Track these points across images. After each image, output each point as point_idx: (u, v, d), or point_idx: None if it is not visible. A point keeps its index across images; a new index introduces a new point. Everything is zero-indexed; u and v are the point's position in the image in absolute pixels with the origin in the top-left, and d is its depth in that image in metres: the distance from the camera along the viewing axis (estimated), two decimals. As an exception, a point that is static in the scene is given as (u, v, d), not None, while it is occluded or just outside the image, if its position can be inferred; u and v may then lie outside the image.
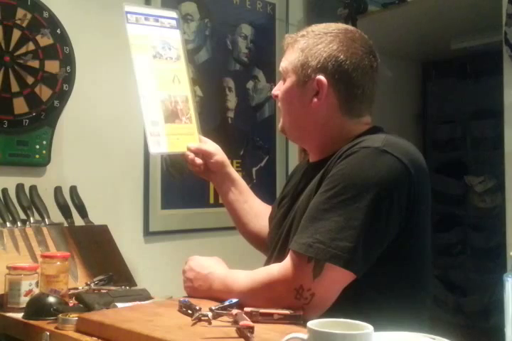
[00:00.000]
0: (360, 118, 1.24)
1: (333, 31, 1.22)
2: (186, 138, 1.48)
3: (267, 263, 1.29)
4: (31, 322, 1.19)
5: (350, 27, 1.28)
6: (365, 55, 1.21)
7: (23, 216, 1.66)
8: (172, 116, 1.48)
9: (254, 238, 1.53)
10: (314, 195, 1.14)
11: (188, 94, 1.52)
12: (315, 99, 1.21)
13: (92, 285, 1.46)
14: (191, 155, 1.45)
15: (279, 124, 1.33)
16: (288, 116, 1.29)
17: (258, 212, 1.51)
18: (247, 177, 2.45)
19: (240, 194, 1.51)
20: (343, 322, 0.80)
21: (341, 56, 1.19)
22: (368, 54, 1.22)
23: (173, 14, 1.56)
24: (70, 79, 1.93)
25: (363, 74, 1.21)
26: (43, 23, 1.88)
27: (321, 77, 1.20)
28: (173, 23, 1.55)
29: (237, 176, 1.52)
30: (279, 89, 1.29)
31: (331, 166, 1.13)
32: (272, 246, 1.30)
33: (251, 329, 0.95)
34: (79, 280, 1.52)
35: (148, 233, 2.19)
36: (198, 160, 1.45)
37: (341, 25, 1.26)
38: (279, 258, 1.16)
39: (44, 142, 1.87)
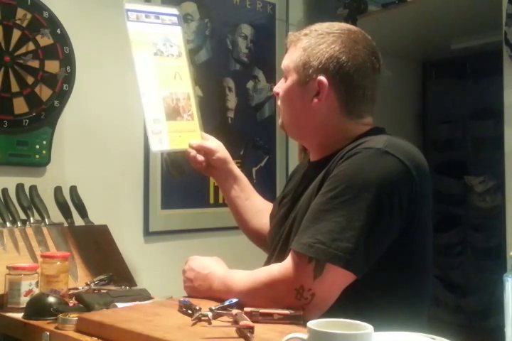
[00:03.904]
0: (360, 119, 1.24)
1: (336, 31, 1.22)
2: (188, 135, 1.48)
3: (268, 262, 1.29)
4: (31, 322, 1.19)
5: (353, 27, 1.27)
6: (367, 56, 1.21)
7: (23, 216, 1.66)
8: (174, 113, 1.48)
9: (255, 235, 1.53)
10: (316, 195, 1.14)
11: (189, 91, 1.52)
12: (315, 99, 1.21)
13: (92, 285, 1.47)
14: (193, 152, 1.45)
15: (279, 120, 1.34)
16: (288, 114, 1.29)
17: (259, 210, 1.52)
18: (247, 177, 2.44)
19: (242, 191, 1.51)
20: (343, 322, 0.80)
21: (343, 57, 1.19)
22: (371, 55, 1.22)
23: (174, 11, 1.56)
24: (70, 79, 1.93)
25: (365, 76, 1.21)
26: (43, 23, 1.88)
27: (322, 78, 1.19)
28: (175, 19, 1.55)
29: (239, 173, 1.52)
30: (280, 87, 1.29)
31: (333, 167, 1.13)
32: (273, 246, 1.30)
33: (251, 329, 0.95)
34: (79, 280, 1.52)
35: (148, 233, 2.19)
36: (200, 157, 1.45)
37: (345, 26, 1.26)
38: (280, 258, 1.16)
39: (44, 142, 1.87)
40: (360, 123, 1.24)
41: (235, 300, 1.11)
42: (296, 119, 1.27)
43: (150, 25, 1.49)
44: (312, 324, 0.78)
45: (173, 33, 1.53)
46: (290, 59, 1.26)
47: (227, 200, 1.54)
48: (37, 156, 1.86)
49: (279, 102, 1.31)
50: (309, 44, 1.22)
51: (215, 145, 1.48)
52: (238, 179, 1.51)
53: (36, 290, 1.32)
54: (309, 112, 1.23)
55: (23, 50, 1.84)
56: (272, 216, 1.42)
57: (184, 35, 1.56)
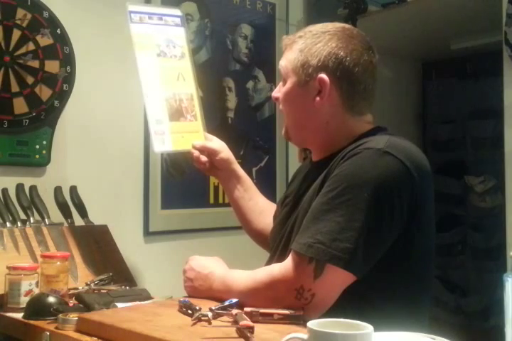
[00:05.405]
0: (362, 116, 1.25)
1: (331, 30, 1.22)
2: (191, 135, 1.48)
3: (269, 262, 1.29)
4: (31, 322, 1.19)
5: (346, 25, 1.28)
6: (364, 50, 1.21)
7: (23, 216, 1.66)
8: (177, 114, 1.48)
9: (258, 236, 1.53)
10: (317, 195, 1.14)
11: (193, 91, 1.53)
12: (317, 98, 1.21)
13: (92, 285, 1.47)
14: (196, 153, 1.45)
15: (283, 129, 1.33)
16: (291, 117, 1.28)
17: (263, 210, 1.52)
18: (247, 177, 2.46)
19: (245, 191, 1.51)
20: (343, 322, 0.80)
21: (341, 53, 1.19)
22: (368, 50, 1.22)
23: (177, 12, 1.57)
24: (70, 79, 1.93)
25: (364, 70, 1.21)
26: (43, 23, 1.88)
27: (323, 76, 1.19)
28: (177, 20, 1.55)
29: (242, 173, 1.52)
30: (279, 91, 1.29)
31: (334, 167, 1.14)
32: (275, 246, 1.30)
33: (251, 329, 0.95)
34: (79, 280, 1.52)
35: (148, 233, 2.19)
36: (203, 158, 1.46)
37: (338, 24, 1.26)
38: (281, 258, 1.16)
39: (44, 142, 1.87)
40: (362, 121, 1.24)
41: (235, 300, 1.11)
42: (299, 121, 1.27)
43: (153, 27, 1.50)
44: (312, 324, 0.78)
45: (176, 34, 1.53)
46: (287, 61, 1.25)
47: (231, 200, 1.54)
48: (37, 156, 1.86)
49: (280, 106, 1.30)
50: (305, 45, 1.22)
51: (219, 145, 1.48)
52: (241, 179, 1.51)
53: (36, 290, 1.32)
54: (312, 112, 1.23)
55: (23, 50, 1.84)
56: (275, 216, 1.42)
57: (187, 36, 1.56)
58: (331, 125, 1.23)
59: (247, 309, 1.05)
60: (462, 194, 3.28)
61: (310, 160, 1.36)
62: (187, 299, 1.16)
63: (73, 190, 1.81)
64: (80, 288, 1.45)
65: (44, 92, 1.87)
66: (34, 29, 1.86)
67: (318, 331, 0.77)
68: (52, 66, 1.89)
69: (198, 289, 1.24)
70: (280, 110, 1.31)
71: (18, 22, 1.83)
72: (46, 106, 1.88)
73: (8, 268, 1.33)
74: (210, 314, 1.04)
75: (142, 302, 1.25)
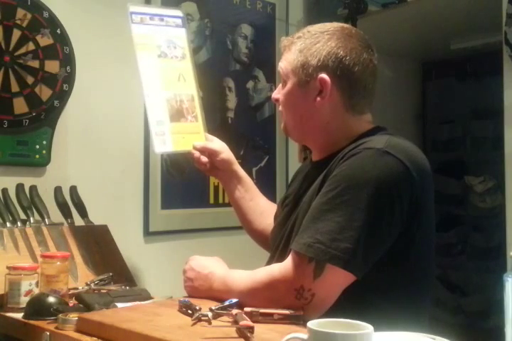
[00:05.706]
0: (362, 116, 1.25)
1: (330, 30, 1.22)
2: (192, 136, 1.49)
3: (269, 262, 1.29)
4: (31, 322, 1.19)
5: (345, 25, 1.28)
6: (363, 49, 1.21)
7: (23, 216, 1.66)
8: (177, 115, 1.48)
9: (259, 236, 1.53)
10: (317, 195, 1.14)
11: (193, 92, 1.53)
12: (318, 98, 1.21)
13: (92, 285, 1.46)
14: (197, 154, 1.46)
15: (281, 126, 1.33)
16: (291, 118, 1.28)
17: (264, 210, 1.52)
18: (247, 177, 2.45)
19: (246, 192, 1.52)
20: (343, 322, 0.80)
21: (341, 52, 1.19)
22: (367, 48, 1.22)
23: (179, 13, 1.57)
24: (70, 79, 1.93)
25: (364, 69, 1.21)
26: (43, 23, 1.88)
27: (324, 76, 1.19)
28: (179, 21, 1.56)
29: (243, 174, 1.52)
30: (279, 93, 1.29)
31: (334, 167, 1.13)
32: (275, 246, 1.30)
33: (251, 329, 0.95)
34: (79, 280, 1.52)
35: (148, 233, 2.19)
36: (204, 159, 1.46)
37: (336, 24, 1.26)
38: (281, 258, 1.16)
39: (44, 142, 1.87)
40: (362, 120, 1.24)
41: (235, 300, 1.11)
42: (300, 121, 1.27)
43: (154, 28, 1.50)
44: (312, 324, 0.78)
45: (177, 34, 1.54)
46: (287, 62, 1.25)
47: (232, 201, 1.54)
48: (37, 156, 1.86)
49: (280, 108, 1.30)
50: (305, 45, 1.22)
51: (219, 146, 1.48)
52: (242, 180, 1.51)
53: (36, 290, 1.32)
54: (313, 112, 1.23)
55: (23, 50, 1.84)
56: (276, 216, 1.42)
57: (188, 37, 1.57)
58: (331, 125, 1.23)
59: (247, 309, 1.05)
60: (462, 194, 3.28)
61: (310, 160, 1.36)
62: (187, 299, 1.16)
63: (73, 190, 1.81)
64: (80, 288, 1.45)
65: (44, 92, 1.87)
66: (34, 29, 1.86)
67: (318, 331, 0.77)
68: (52, 66, 1.89)
69: (198, 289, 1.24)
70: (280, 111, 1.31)
71: (18, 22, 1.83)
72: (46, 106, 1.88)
73: (8, 268, 1.33)
74: (210, 314, 1.04)
75: (142, 302, 1.25)
